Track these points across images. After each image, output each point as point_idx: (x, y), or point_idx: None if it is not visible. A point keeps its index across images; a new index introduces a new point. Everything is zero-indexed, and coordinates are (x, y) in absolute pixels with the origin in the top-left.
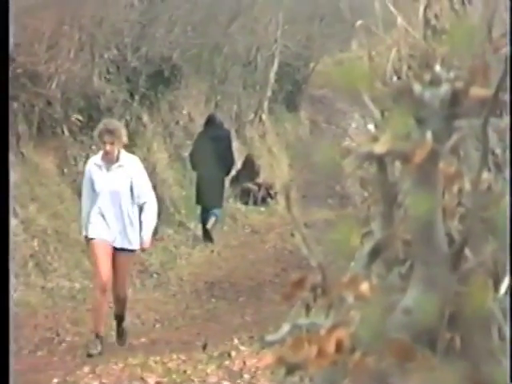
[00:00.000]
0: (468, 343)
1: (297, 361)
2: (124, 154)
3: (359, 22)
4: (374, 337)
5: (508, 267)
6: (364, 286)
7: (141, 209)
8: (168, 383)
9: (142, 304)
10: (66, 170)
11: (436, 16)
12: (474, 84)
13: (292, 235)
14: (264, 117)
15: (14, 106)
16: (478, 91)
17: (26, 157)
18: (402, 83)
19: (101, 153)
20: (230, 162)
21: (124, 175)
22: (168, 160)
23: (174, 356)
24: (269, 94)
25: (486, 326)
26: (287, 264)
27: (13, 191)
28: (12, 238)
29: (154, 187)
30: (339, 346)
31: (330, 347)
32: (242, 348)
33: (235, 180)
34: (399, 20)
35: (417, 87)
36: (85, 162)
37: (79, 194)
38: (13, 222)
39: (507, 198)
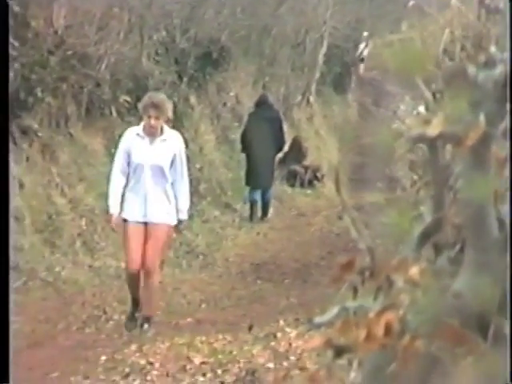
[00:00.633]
0: None
1: (345, 344)
2: (167, 129)
3: (412, 2)
4: (424, 321)
5: (508, 267)
6: (414, 270)
7: (173, 186)
8: (214, 363)
9: (188, 284)
10: (113, 151)
11: None
12: None
13: (339, 218)
14: (312, 99)
15: (63, 87)
16: None
17: (74, 137)
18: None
19: (142, 124)
20: (281, 143)
21: (167, 150)
22: (215, 142)
23: (220, 336)
24: (317, 76)
25: None
26: (333, 247)
27: (61, 171)
28: (60, 217)
29: (201, 169)
30: (388, 330)
31: (379, 330)
32: (288, 330)
33: (282, 162)
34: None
35: (471, 69)
36: None
37: None
38: (61, 201)
39: None
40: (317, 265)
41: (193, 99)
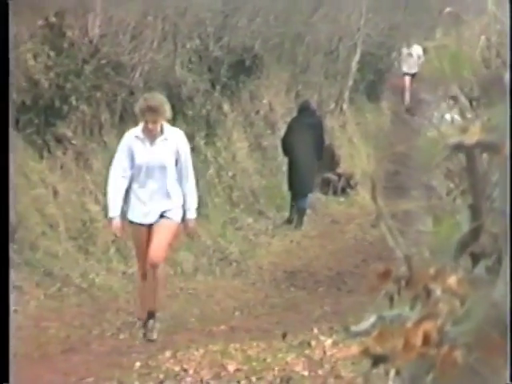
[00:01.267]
0: None
1: (383, 353)
2: (167, 127)
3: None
4: (463, 331)
5: (508, 267)
6: (452, 279)
7: (180, 185)
8: (248, 371)
9: (222, 292)
10: None
11: None
12: None
13: (372, 226)
14: (345, 106)
15: (97, 95)
16: None
17: (108, 145)
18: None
19: (141, 125)
20: (322, 150)
21: (169, 149)
22: (248, 149)
23: (254, 344)
24: (350, 83)
25: None
26: (367, 255)
27: (95, 178)
28: (94, 224)
29: (234, 176)
30: (426, 339)
31: (417, 340)
32: (322, 338)
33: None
34: (489, 5)
35: (507, 76)
36: None
37: None
38: (95, 209)
39: None
40: (350, 273)
41: (226, 107)
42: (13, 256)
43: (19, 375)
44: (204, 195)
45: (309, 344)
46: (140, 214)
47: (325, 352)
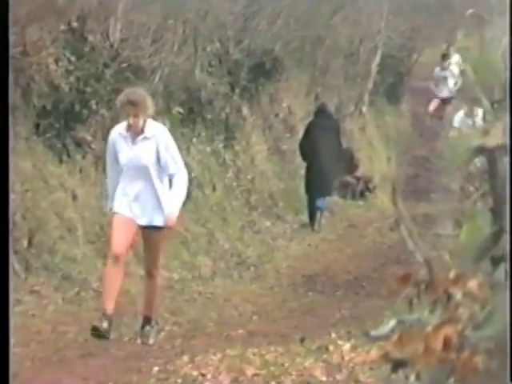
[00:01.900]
0: None
1: (402, 357)
2: (150, 124)
3: (470, 11)
4: (484, 336)
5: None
6: (472, 283)
7: (170, 181)
8: (266, 375)
9: (240, 296)
10: None
11: None
12: None
13: (391, 230)
14: (364, 109)
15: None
16: None
17: None
18: None
19: (126, 122)
20: (339, 152)
21: (150, 147)
22: (267, 153)
23: (272, 348)
24: (370, 86)
25: None
26: (386, 259)
27: None
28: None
29: (253, 180)
30: (447, 344)
31: (438, 344)
32: (340, 342)
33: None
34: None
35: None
36: (186, 154)
37: None
38: None
39: None
40: (369, 277)
41: (245, 110)
42: (31, 260)
43: (38, 379)
44: (222, 198)
45: (327, 348)
46: (128, 209)
47: (343, 357)
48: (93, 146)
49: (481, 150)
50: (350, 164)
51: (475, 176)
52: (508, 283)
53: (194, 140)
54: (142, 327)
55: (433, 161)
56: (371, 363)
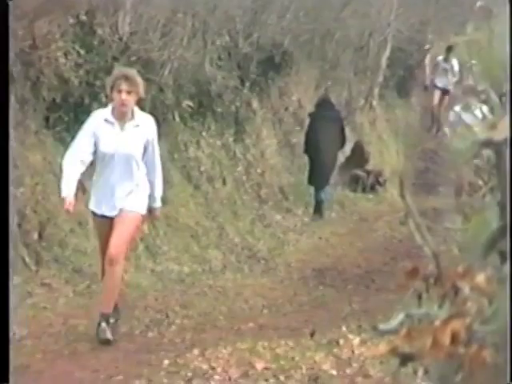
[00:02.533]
0: None
1: (411, 351)
2: (139, 112)
3: (479, 3)
4: (492, 330)
5: (508, 265)
6: (480, 277)
7: (148, 174)
8: (276, 369)
9: (250, 289)
10: (175, 156)
11: None
12: None
13: (401, 224)
14: (374, 103)
15: None
16: None
17: None
18: None
19: (110, 107)
20: (342, 142)
21: (140, 136)
22: (277, 146)
23: (282, 342)
24: (380, 79)
25: None
26: (396, 253)
27: None
28: None
29: (263, 173)
30: (455, 338)
31: (446, 339)
32: (351, 336)
33: (344, 166)
34: None
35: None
36: (196, 148)
37: (187, 178)
38: None
39: None
40: (379, 271)
41: (255, 104)
42: (42, 253)
43: (49, 371)
44: (232, 192)
45: (337, 342)
46: (103, 205)
47: (353, 351)
48: None
49: (488, 144)
50: (361, 158)
51: (484, 170)
52: (508, 283)
53: (204, 134)
54: (99, 324)
55: (440, 154)
56: (380, 357)
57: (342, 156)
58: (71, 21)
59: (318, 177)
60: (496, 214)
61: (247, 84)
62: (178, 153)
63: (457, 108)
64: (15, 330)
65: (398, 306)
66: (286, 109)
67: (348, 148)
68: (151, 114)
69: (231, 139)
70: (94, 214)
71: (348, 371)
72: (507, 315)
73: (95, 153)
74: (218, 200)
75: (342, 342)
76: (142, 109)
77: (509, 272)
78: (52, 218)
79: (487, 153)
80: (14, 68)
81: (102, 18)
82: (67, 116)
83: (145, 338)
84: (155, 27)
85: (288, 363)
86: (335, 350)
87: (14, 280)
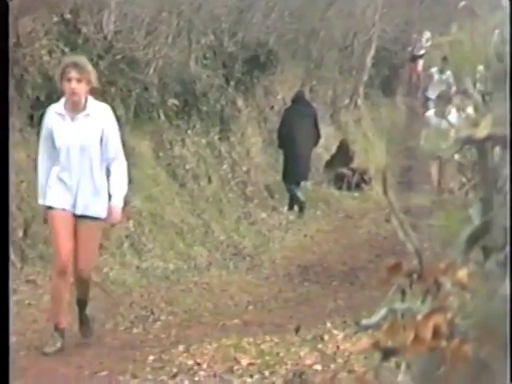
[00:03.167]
0: None
1: (393, 346)
2: (92, 102)
3: (462, 3)
4: (473, 324)
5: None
6: (462, 273)
7: (108, 170)
8: (261, 365)
9: (235, 286)
10: (161, 154)
11: None
12: None
13: (386, 221)
14: (359, 102)
15: (111, 91)
16: None
17: (122, 140)
18: (504, 67)
19: (63, 100)
20: (316, 138)
21: (93, 126)
22: (262, 145)
23: (267, 338)
24: (365, 78)
25: None
26: (381, 250)
27: None
28: None
29: (248, 171)
30: (436, 333)
31: (427, 333)
32: (335, 332)
33: (329, 165)
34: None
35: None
36: (181, 146)
37: (172, 176)
38: None
39: None
40: (364, 268)
41: (240, 102)
42: (27, 250)
43: (34, 368)
44: (218, 190)
45: (322, 338)
46: (63, 199)
47: (338, 346)
48: None
49: (469, 141)
50: (346, 156)
51: (467, 167)
52: (508, 283)
53: (189, 132)
54: (51, 335)
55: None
56: (363, 352)
57: (326, 154)
58: (55, 19)
59: (291, 172)
60: (478, 211)
61: (232, 83)
62: (163, 151)
63: (430, 113)
64: None
65: (382, 301)
66: (272, 107)
67: (333, 146)
68: (136, 112)
69: (216, 137)
70: (50, 207)
71: (333, 366)
72: (507, 315)
73: (54, 148)
74: (203, 198)
75: (326, 337)
76: (127, 107)
77: (509, 272)
78: (37, 216)
79: (470, 151)
80: None
81: (86, 17)
82: None
83: (130, 334)
84: (140, 26)
85: (273, 359)
86: (320, 346)
87: None
